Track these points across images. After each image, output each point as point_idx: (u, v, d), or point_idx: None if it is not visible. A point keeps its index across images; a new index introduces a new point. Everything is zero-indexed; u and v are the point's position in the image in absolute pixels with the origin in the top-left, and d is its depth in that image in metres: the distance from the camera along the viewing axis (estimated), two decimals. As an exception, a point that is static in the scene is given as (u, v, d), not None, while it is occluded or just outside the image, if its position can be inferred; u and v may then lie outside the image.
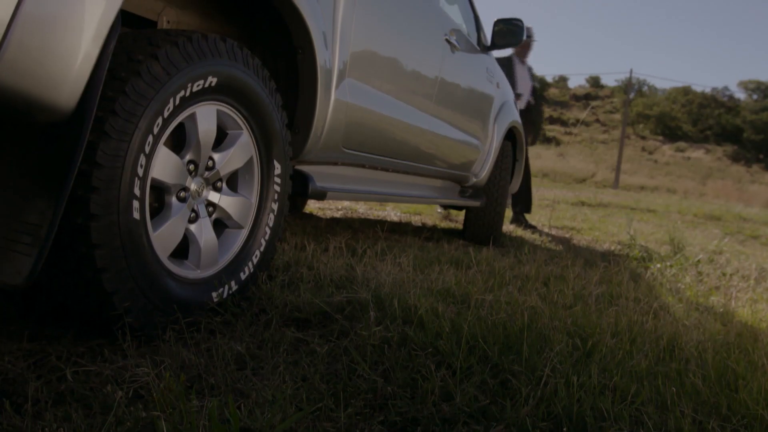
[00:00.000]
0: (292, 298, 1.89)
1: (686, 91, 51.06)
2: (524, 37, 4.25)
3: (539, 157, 26.82)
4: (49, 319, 1.64)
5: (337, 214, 5.21)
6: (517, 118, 4.90)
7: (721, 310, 2.68)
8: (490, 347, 1.60)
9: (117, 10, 1.30)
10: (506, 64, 6.03)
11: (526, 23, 5.69)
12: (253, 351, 1.56)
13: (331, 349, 1.60)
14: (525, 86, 6.40)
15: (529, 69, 6.57)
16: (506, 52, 6.44)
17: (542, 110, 6.76)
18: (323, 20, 2.15)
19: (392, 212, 6.06)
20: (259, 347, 1.60)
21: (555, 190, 15.00)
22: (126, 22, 1.91)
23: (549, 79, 54.83)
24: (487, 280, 2.46)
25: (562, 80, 53.33)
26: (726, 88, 53.21)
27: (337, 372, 1.48)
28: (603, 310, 2.15)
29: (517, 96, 5.95)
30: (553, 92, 51.83)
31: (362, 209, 5.89)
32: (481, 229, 4.53)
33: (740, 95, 53.06)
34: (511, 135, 4.86)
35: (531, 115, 6.42)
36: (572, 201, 11.89)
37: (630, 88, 42.36)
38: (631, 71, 44.46)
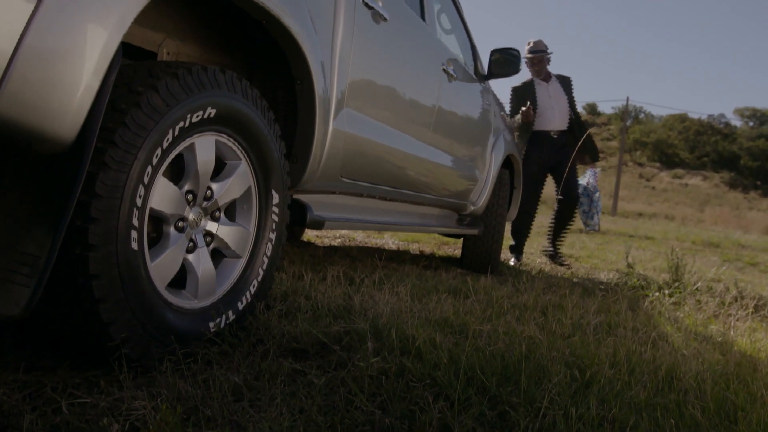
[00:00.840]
0: (289, 329, 1.89)
1: (683, 118, 51.43)
2: (521, 67, 4.29)
3: (537, 184, 26.82)
4: (45, 350, 1.64)
5: (335, 242, 5.21)
6: (514, 146, 4.94)
7: (720, 339, 2.68)
8: (488, 378, 1.60)
9: (118, 43, 1.32)
10: (527, 88, 5.69)
11: (533, 38, 5.80)
12: (250, 382, 1.56)
13: (329, 381, 1.59)
14: (553, 103, 5.63)
15: (561, 82, 5.76)
16: (525, 75, 6.26)
17: (583, 123, 5.74)
18: (321, 51, 2.18)
19: (390, 240, 6.07)
20: (256, 378, 1.59)
21: (553, 217, 14.98)
22: (127, 53, 1.93)
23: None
24: (485, 310, 2.45)
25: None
26: (722, 115, 53.58)
27: (334, 404, 1.47)
28: (601, 339, 2.14)
29: (527, 114, 5.46)
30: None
31: (360, 237, 5.89)
32: (479, 258, 4.54)
33: (736, 122, 53.43)
34: (508, 163, 4.89)
35: (575, 132, 5.61)
36: (570, 228, 11.90)
37: (627, 115, 42.64)
38: (627, 99, 44.88)
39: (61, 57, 1.21)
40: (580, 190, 6.02)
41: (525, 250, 5.96)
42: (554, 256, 5.69)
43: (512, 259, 5.63)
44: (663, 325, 2.80)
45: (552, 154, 5.56)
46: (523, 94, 5.69)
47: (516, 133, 5.59)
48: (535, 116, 5.56)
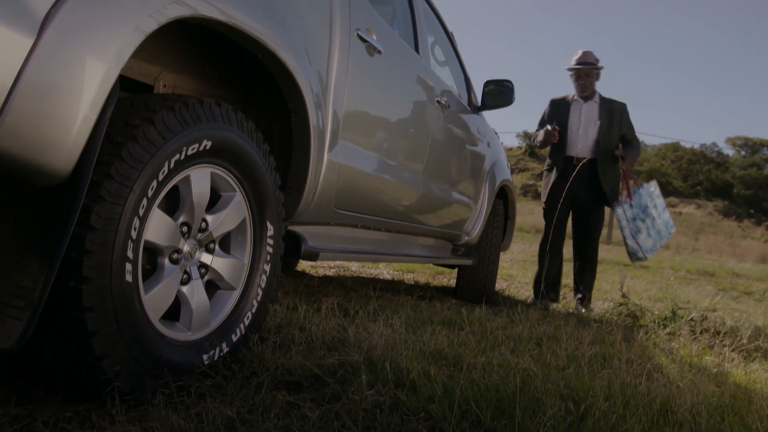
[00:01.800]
0: (283, 361, 1.88)
1: (675, 147, 51.82)
2: (514, 98, 4.31)
3: (532, 213, 26.93)
4: (37, 383, 1.62)
5: (330, 272, 5.21)
6: (509, 176, 4.96)
7: (715, 370, 2.67)
8: (482, 411, 1.59)
9: (116, 76, 1.33)
10: (562, 104, 5.02)
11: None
12: (244, 416, 1.54)
13: (323, 414, 1.59)
14: (581, 126, 4.92)
15: (603, 105, 4.96)
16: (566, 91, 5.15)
17: (616, 155, 4.89)
18: (316, 83, 2.20)
19: (385, 270, 6.06)
20: (249, 411, 1.58)
21: (548, 246, 14.98)
22: (124, 86, 1.95)
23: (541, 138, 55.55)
24: (480, 341, 2.45)
25: (553, 137, 53.83)
26: (714, 144, 54.08)
27: (328, 437, 1.46)
28: (596, 371, 2.13)
29: (551, 134, 4.83)
30: (544, 150, 52.45)
31: (355, 267, 5.88)
32: (473, 288, 4.54)
33: (728, 151, 53.88)
34: (503, 193, 4.92)
35: (603, 165, 4.86)
36: (565, 258, 11.91)
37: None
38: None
39: (59, 91, 1.23)
40: (625, 204, 4.81)
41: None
42: (580, 302, 4.84)
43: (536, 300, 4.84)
44: (658, 356, 2.79)
45: (574, 185, 4.74)
46: (556, 110, 5.05)
47: (543, 151, 5.26)
48: (562, 137, 4.93)
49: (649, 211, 4.81)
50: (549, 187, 5.01)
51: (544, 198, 5.10)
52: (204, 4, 1.57)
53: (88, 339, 1.40)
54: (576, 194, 4.81)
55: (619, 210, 4.80)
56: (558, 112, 5.03)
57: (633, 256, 4.81)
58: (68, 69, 1.24)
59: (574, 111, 4.98)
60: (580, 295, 4.87)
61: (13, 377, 1.65)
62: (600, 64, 5.00)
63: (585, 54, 5.02)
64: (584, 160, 4.79)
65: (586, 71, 4.95)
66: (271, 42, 1.87)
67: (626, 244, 4.83)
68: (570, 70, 5.02)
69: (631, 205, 4.79)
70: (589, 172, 4.80)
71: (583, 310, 4.67)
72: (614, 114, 4.94)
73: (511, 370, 1.93)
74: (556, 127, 4.87)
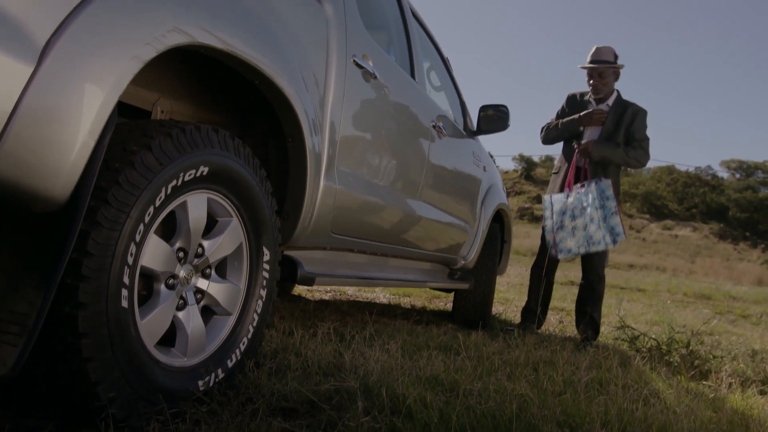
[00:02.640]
0: (279, 387, 1.87)
1: (670, 170, 52.09)
2: (509, 123, 4.32)
3: (528, 236, 26.96)
4: (31, 409, 1.61)
5: (326, 296, 5.20)
6: (505, 200, 4.97)
7: (712, 395, 2.66)
8: (479, 438, 1.58)
9: (114, 103, 1.35)
10: (578, 102, 4.51)
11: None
12: (239, 443, 1.53)
13: (318, 441, 1.58)
14: (584, 132, 4.41)
15: (617, 109, 4.35)
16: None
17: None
18: (313, 109, 2.22)
19: (381, 294, 6.05)
20: (244, 439, 1.57)
21: (544, 270, 14.97)
22: (121, 111, 1.96)
23: (536, 159, 55.96)
24: (476, 367, 2.44)
25: (549, 160, 54.32)
26: (709, 167, 54.37)
27: (323, 465, 1.45)
28: (593, 397, 2.13)
29: (571, 144, 4.39)
30: (540, 172, 52.75)
31: (351, 291, 5.87)
32: (470, 312, 4.53)
33: (723, 174, 54.18)
34: (499, 217, 4.93)
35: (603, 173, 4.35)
36: (562, 281, 11.91)
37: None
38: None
39: (58, 118, 1.23)
40: (560, 195, 4.29)
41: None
42: (583, 341, 4.17)
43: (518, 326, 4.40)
44: (655, 381, 2.78)
45: None
46: (571, 108, 4.55)
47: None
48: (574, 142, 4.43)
49: (589, 210, 4.12)
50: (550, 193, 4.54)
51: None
52: (202, 32, 1.59)
53: (83, 365, 1.40)
54: None
55: (546, 199, 4.31)
56: (572, 111, 4.51)
57: (549, 249, 4.29)
58: (67, 96, 1.25)
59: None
60: (583, 335, 4.26)
61: (7, 403, 1.64)
62: (619, 63, 4.37)
63: (598, 51, 4.39)
64: (586, 166, 4.35)
65: (600, 71, 4.34)
66: (268, 69, 1.89)
67: (543, 236, 4.36)
68: (583, 68, 4.44)
69: (567, 196, 4.22)
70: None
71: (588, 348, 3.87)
72: (624, 118, 4.31)
73: (507, 396, 1.93)
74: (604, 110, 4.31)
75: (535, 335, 3.81)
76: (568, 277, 12.63)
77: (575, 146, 4.32)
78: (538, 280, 4.50)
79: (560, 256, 4.20)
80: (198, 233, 1.76)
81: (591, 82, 4.40)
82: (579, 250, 4.14)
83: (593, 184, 4.16)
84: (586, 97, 4.49)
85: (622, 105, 4.36)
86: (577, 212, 4.14)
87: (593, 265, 4.33)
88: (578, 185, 4.23)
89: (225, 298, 1.90)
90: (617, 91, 4.43)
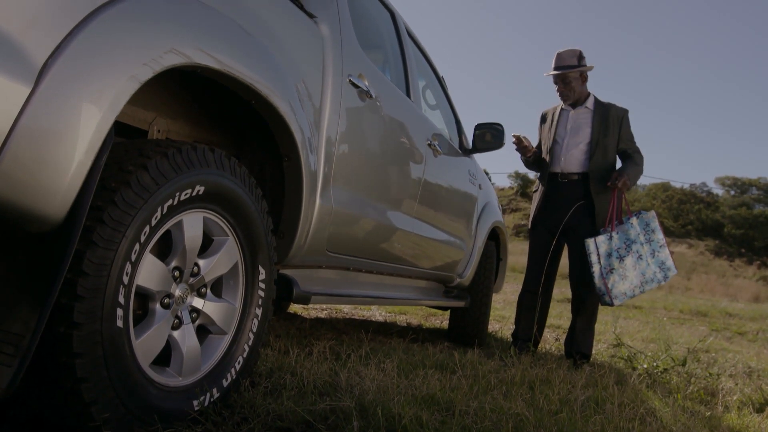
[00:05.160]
0: (274, 407, 1.86)
1: (665, 187, 52.23)
2: (504, 141, 4.30)
3: (524, 253, 26.95)
4: (25, 430, 1.60)
5: (322, 315, 5.18)
6: (500, 218, 4.98)
7: (709, 413, 2.66)
8: (475, 458, 1.57)
9: (111, 123, 1.35)
10: (552, 114, 4.29)
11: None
12: (234, 463, 1.53)
13: (314, 461, 1.57)
14: (567, 136, 4.14)
15: (597, 110, 4.13)
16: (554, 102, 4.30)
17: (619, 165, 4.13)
18: (309, 129, 2.23)
19: (377, 312, 6.04)
20: (239, 459, 1.56)
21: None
22: (118, 131, 1.96)
23: (532, 176, 56.08)
24: (472, 386, 2.43)
25: (545, 177, 54.16)
26: (704, 184, 54.51)
27: (319, 486, 1.45)
28: (589, 416, 2.12)
29: (518, 143, 4.18)
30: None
31: (347, 309, 5.86)
32: (466, 330, 4.52)
33: (718, 191, 54.34)
34: (494, 234, 4.94)
35: (598, 181, 4.03)
36: (558, 298, 11.89)
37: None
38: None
39: (55, 138, 1.24)
40: (604, 235, 3.87)
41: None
42: (576, 362, 3.87)
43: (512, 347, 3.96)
44: (651, 399, 2.78)
45: (562, 208, 4.04)
46: (543, 123, 4.37)
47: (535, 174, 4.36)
48: (552, 151, 4.19)
49: (635, 247, 3.84)
50: (533, 212, 4.28)
51: (529, 225, 4.34)
52: (198, 53, 1.60)
53: (77, 385, 1.39)
54: (560, 220, 4.02)
55: (590, 243, 3.83)
56: (546, 124, 4.31)
57: (600, 298, 3.88)
58: (64, 116, 1.25)
59: (562, 121, 4.21)
60: (569, 358, 3.95)
61: (0, 424, 1.63)
62: (584, 64, 4.13)
63: (559, 56, 4.17)
64: (573, 177, 4.08)
65: (563, 77, 4.13)
66: (263, 88, 1.90)
67: (593, 284, 3.85)
68: (548, 76, 4.24)
69: (611, 237, 3.85)
70: (580, 192, 4.04)
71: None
72: (611, 121, 4.08)
73: (503, 416, 1.92)
74: (521, 136, 4.18)
75: (530, 353, 3.80)
76: (564, 294, 12.62)
77: (610, 185, 3.97)
78: (530, 306, 4.15)
79: (616, 303, 3.80)
80: (194, 252, 1.76)
81: (557, 89, 4.20)
82: (634, 292, 3.83)
83: (634, 219, 3.93)
84: (559, 107, 4.28)
85: (603, 107, 4.15)
86: (623, 251, 3.83)
87: (583, 274, 3.97)
88: (616, 223, 3.93)
89: (220, 317, 1.89)
90: (592, 93, 4.22)
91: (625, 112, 4.17)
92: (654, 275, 3.86)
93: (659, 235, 3.92)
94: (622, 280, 3.80)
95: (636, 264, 3.82)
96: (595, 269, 3.80)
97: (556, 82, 4.19)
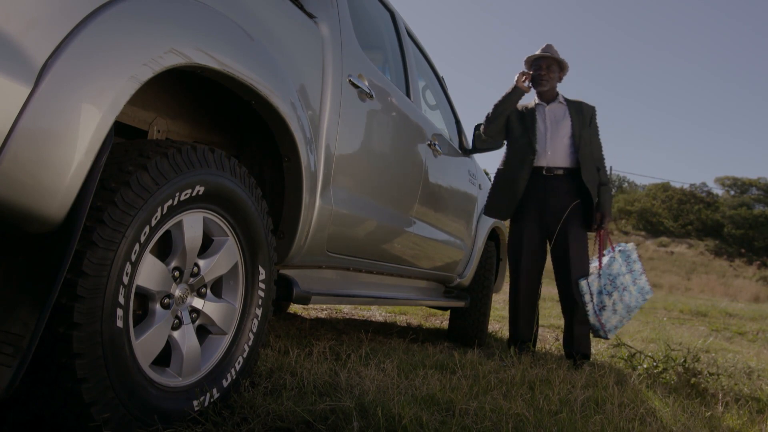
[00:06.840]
0: (274, 407, 1.86)
1: (665, 187, 52.19)
2: (504, 141, 4.30)
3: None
4: (24, 430, 1.60)
5: (322, 315, 5.18)
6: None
7: (709, 414, 2.66)
8: (475, 458, 1.57)
9: (111, 124, 1.35)
10: (528, 110, 4.14)
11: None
12: (234, 464, 1.53)
13: (314, 461, 1.57)
14: (548, 130, 4.06)
15: (570, 106, 4.13)
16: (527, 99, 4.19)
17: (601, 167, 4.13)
18: (309, 129, 2.23)
19: (377, 312, 6.04)
20: (239, 459, 1.56)
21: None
22: (117, 131, 1.96)
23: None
24: (472, 386, 2.43)
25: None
26: (704, 184, 54.36)
27: (318, 486, 1.45)
28: (589, 416, 2.12)
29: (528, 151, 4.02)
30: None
31: (347, 309, 5.86)
32: (466, 330, 4.52)
33: (718, 191, 54.29)
34: (494, 235, 4.94)
35: (587, 175, 3.98)
36: (557, 298, 11.89)
37: (611, 184, 43.19)
38: (611, 168, 45.57)
39: (55, 138, 1.24)
40: (593, 275, 3.92)
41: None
42: (576, 362, 3.86)
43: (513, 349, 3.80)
44: (651, 399, 2.78)
45: (551, 205, 3.98)
46: (520, 117, 4.18)
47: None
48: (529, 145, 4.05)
49: (620, 280, 3.92)
50: (518, 210, 4.08)
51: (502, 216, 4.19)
52: (198, 53, 1.60)
53: (77, 386, 1.39)
54: (553, 217, 3.95)
55: (583, 284, 3.86)
56: (521, 119, 4.16)
57: (594, 333, 3.95)
58: (64, 117, 1.25)
59: (539, 115, 4.11)
60: (570, 359, 3.94)
61: (0, 424, 1.63)
62: (565, 68, 4.21)
63: (548, 46, 4.21)
64: (556, 169, 4.01)
65: (549, 60, 4.14)
66: (263, 89, 1.90)
67: (588, 322, 3.92)
68: (532, 57, 4.18)
69: (599, 275, 3.91)
70: (566, 188, 3.99)
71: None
72: (585, 115, 4.10)
73: (503, 416, 1.92)
74: (530, 73, 4.07)
75: (530, 353, 3.80)
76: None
77: (595, 228, 4.03)
78: (530, 304, 4.12)
79: (610, 336, 3.94)
80: (194, 252, 1.76)
81: (537, 73, 4.10)
82: (623, 322, 3.96)
83: (617, 252, 4.00)
84: (531, 104, 4.20)
85: (575, 103, 4.15)
86: (610, 287, 3.90)
87: (570, 269, 3.92)
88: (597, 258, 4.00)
89: (220, 318, 1.89)
90: (559, 92, 4.21)
91: (594, 108, 4.19)
92: (636, 301, 3.99)
93: (638, 264, 4.05)
94: (613, 314, 3.91)
95: (621, 297, 3.93)
96: (589, 308, 3.87)
97: (538, 67, 4.12)
